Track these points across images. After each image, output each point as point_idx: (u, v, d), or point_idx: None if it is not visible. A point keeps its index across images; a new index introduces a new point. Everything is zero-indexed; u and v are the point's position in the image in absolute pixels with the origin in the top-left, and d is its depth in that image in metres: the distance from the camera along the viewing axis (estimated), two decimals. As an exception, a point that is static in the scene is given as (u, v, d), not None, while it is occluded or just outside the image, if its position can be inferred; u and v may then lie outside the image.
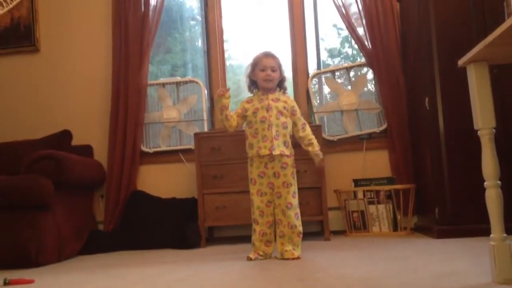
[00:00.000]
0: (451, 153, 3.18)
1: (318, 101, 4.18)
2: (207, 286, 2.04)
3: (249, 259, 2.69)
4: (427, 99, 3.28)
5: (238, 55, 4.66)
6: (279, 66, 2.91)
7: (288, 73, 4.28)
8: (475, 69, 1.83)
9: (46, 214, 3.18)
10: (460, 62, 1.88)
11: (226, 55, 4.39)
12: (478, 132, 1.83)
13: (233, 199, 3.53)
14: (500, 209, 1.78)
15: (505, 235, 1.77)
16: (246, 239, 3.10)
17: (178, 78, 4.24)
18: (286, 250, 2.69)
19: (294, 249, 2.69)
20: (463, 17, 3.20)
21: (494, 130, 1.81)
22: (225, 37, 4.40)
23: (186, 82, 4.21)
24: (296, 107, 2.94)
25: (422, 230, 3.56)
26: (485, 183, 1.81)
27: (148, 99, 4.20)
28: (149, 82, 4.17)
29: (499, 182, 1.79)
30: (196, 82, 4.18)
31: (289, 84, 4.28)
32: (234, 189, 3.52)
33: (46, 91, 4.31)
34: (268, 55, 2.90)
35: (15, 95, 4.34)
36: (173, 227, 3.64)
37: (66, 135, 3.92)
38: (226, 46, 4.41)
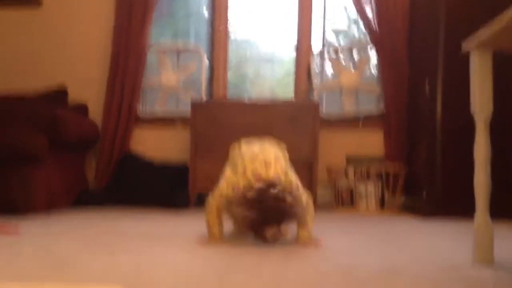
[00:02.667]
0: (446, 140, 3.19)
1: (318, 79, 4.16)
2: (191, 243, 2.06)
3: None
4: (427, 83, 3.27)
5: (243, 30, 4.63)
6: None
7: (291, 48, 4.28)
8: (478, 55, 1.81)
9: (38, 168, 3.19)
10: (464, 47, 1.86)
11: (230, 29, 4.35)
12: (474, 116, 1.83)
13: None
14: (487, 193, 1.79)
15: (489, 218, 1.78)
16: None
17: (179, 44, 4.21)
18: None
19: None
20: (473, 1, 3.17)
21: (490, 115, 1.81)
22: (230, 11, 4.35)
23: (187, 49, 4.18)
24: None
25: (409, 210, 3.58)
26: (475, 166, 1.81)
27: (148, 63, 4.18)
28: (150, 45, 4.13)
29: (489, 167, 1.80)
30: (197, 52, 4.16)
31: (291, 61, 4.30)
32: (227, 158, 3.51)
33: (46, 46, 4.28)
34: None
35: (14, 47, 4.31)
36: (162, 191, 3.66)
37: (62, 92, 3.91)
38: (231, 19, 4.37)
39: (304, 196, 2.11)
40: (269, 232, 1.94)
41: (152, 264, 1.65)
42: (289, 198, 1.93)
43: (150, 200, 3.65)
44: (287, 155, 2.33)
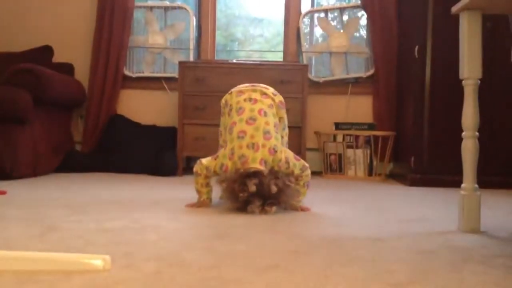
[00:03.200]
0: (434, 104, 3.20)
1: (308, 42, 4.10)
2: (179, 209, 2.06)
3: None
4: (417, 47, 3.24)
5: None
6: None
7: (280, 9, 4.20)
8: (468, 17, 1.79)
9: (23, 129, 3.14)
10: (454, 9, 1.84)
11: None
12: (463, 81, 1.82)
13: (213, 131, 3.50)
14: (475, 160, 1.79)
15: (476, 186, 1.80)
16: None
17: (167, 3, 4.11)
18: None
19: None
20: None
21: (479, 81, 1.80)
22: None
23: (174, 8, 4.09)
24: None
25: (396, 177, 3.62)
26: (463, 133, 1.81)
27: (134, 22, 4.08)
28: (136, 3, 4.04)
29: (477, 133, 1.80)
30: (185, 9, 4.06)
31: (280, 22, 4.22)
32: (215, 121, 3.45)
33: (31, 5, 4.15)
34: None
35: (-4, 4, 4.18)
36: (150, 154, 3.64)
37: (47, 50, 3.83)
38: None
39: (297, 168, 2.12)
40: (250, 207, 1.98)
41: (139, 232, 1.65)
42: (273, 188, 1.95)
43: (138, 164, 3.63)
44: (283, 111, 2.31)
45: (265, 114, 2.17)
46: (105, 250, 1.35)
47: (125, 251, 1.35)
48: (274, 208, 2.00)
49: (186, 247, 1.42)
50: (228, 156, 2.09)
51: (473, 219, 1.77)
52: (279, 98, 2.31)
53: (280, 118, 2.29)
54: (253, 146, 2.06)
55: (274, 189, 1.95)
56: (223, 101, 2.34)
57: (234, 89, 2.32)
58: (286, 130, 2.39)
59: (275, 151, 2.09)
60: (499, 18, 3.04)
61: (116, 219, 1.85)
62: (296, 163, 2.13)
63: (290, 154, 2.14)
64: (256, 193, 1.95)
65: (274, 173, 2.02)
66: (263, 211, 1.98)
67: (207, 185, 2.19)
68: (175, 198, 2.43)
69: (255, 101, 2.20)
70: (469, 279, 1.16)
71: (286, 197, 2.03)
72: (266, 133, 2.11)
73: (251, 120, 2.13)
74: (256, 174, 1.98)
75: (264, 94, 2.26)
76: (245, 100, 2.20)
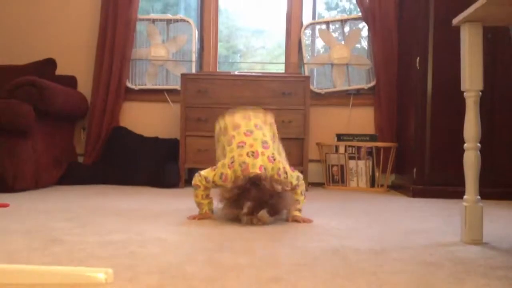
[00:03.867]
0: (435, 115, 3.21)
1: (309, 54, 4.13)
2: (182, 222, 2.06)
3: None
4: (418, 58, 3.25)
5: (233, 1, 4.56)
6: None
7: (281, 21, 4.23)
8: (469, 29, 1.80)
9: (26, 141, 3.16)
10: (455, 21, 1.85)
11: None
12: (464, 93, 1.82)
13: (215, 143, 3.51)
14: (477, 172, 1.79)
15: (478, 197, 1.79)
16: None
17: (169, 16, 4.14)
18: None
19: None
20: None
21: (480, 93, 1.81)
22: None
23: (177, 21, 4.12)
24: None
25: (398, 188, 3.62)
26: (465, 144, 1.81)
27: (137, 35, 4.11)
28: (139, 16, 4.07)
29: (478, 145, 1.80)
30: (187, 22, 4.09)
31: (281, 33, 4.24)
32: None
33: (34, 19, 4.18)
34: None
35: (1, 21, 4.20)
36: (153, 165, 3.64)
37: (50, 63, 3.84)
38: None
39: (294, 178, 2.15)
40: (245, 218, 1.99)
41: (141, 244, 1.65)
42: (277, 187, 1.97)
43: (140, 176, 3.64)
44: (274, 127, 2.38)
45: (261, 127, 2.23)
46: (108, 263, 1.35)
47: (128, 264, 1.35)
48: (270, 218, 2.00)
49: (188, 260, 1.42)
50: (228, 165, 2.09)
51: (475, 231, 1.76)
52: (270, 118, 2.37)
53: (274, 134, 2.35)
54: (253, 154, 2.08)
55: (278, 188, 1.96)
56: (216, 128, 2.39)
57: (225, 114, 2.37)
58: (281, 146, 2.42)
59: (274, 159, 2.11)
60: (499, 29, 3.06)
61: (119, 231, 1.85)
62: (293, 174, 2.15)
63: (287, 166, 2.17)
64: (255, 199, 1.95)
65: (273, 180, 2.03)
66: (257, 220, 1.98)
67: (207, 196, 2.20)
68: (177, 210, 2.43)
69: (249, 118, 2.27)
70: (472, 292, 1.16)
71: (285, 204, 2.03)
72: (264, 143, 2.15)
73: (249, 132, 2.18)
74: (256, 178, 1.98)
75: (256, 112, 2.34)
76: (239, 118, 2.27)
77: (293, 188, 2.14)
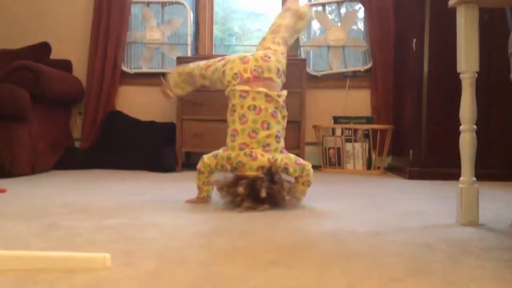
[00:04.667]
0: (431, 97, 3.21)
1: (306, 36, 4.10)
2: (179, 206, 2.07)
3: None
4: (414, 40, 3.24)
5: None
6: None
7: (277, 4, 4.19)
8: (465, 11, 1.79)
9: (21, 126, 3.15)
10: (451, 3, 1.84)
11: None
12: (460, 75, 1.82)
13: (211, 126, 3.51)
14: (473, 153, 1.80)
15: (474, 179, 1.80)
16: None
17: (164, -2, 4.10)
18: None
19: None
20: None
21: (476, 74, 1.80)
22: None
23: (172, 3, 4.08)
24: None
25: (395, 170, 3.63)
26: (461, 126, 1.82)
27: (132, 18, 4.08)
28: (133, -1, 4.03)
29: (474, 126, 1.80)
30: (182, 4, 4.06)
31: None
32: (214, 117, 3.48)
33: (27, 1, 4.14)
34: None
35: (-7, 2, 4.17)
36: (149, 150, 3.64)
37: (44, 47, 3.81)
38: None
39: (298, 171, 2.11)
40: (244, 206, 1.99)
41: (138, 229, 1.66)
42: (262, 193, 1.96)
43: (137, 160, 3.63)
44: (284, 109, 2.20)
45: (268, 126, 2.10)
46: (105, 248, 1.36)
47: (125, 249, 1.36)
48: (265, 206, 2.00)
49: (186, 244, 1.43)
50: (226, 160, 2.10)
51: (471, 212, 1.77)
52: (283, 96, 2.20)
53: (284, 117, 2.21)
54: (251, 155, 2.05)
55: (263, 194, 1.95)
56: (228, 73, 2.17)
57: (236, 66, 2.17)
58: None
59: (275, 160, 2.07)
60: (496, 11, 3.04)
61: (116, 216, 1.85)
62: (297, 168, 2.11)
63: (291, 160, 2.11)
64: (248, 196, 1.98)
65: (271, 175, 2.02)
66: (253, 208, 1.98)
67: (209, 183, 2.19)
68: (175, 195, 2.44)
69: (259, 110, 2.11)
70: (467, 273, 1.17)
71: (281, 199, 2.02)
72: (266, 145, 2.09)
73: (253, 133, 2.09)
74: (249, 178, 2.01)
75: (268, 97, 2.13)
76: (248, 107, 2.11)
77: (296, 178, 2.13)
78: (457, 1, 1.79)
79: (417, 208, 2.13)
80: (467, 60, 1.79)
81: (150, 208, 2.04)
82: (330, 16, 4.09)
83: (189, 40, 4.03)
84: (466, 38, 1.79)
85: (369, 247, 1.41)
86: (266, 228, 1.67)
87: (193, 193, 2.24)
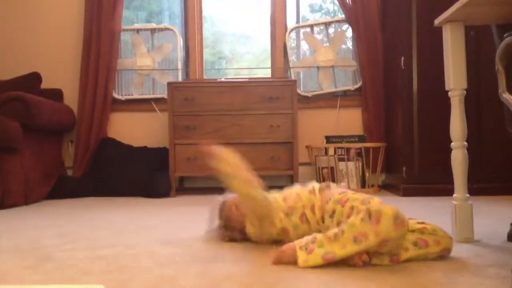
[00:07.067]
0: (422, 114, 3.23)
1: (295, 57, 4.14)
2: (174, 233, 2.05)
3: None
4: (403, 58, 3.28)
5: (217, 6, 4.56)
6: None
7: (266, 26, 4.24)
8: (450, 29, 1.82)
9: (13, 157, 3.13)
10: (436, 22, 1.87)
11: (203, 4, 4.28)
12: (449, 92, 1.84)
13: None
14: (465, 170, 1.81)
15: (467, 195, 1.81)
16: (216, 190, 3.11)
17: (153, 25, 4.13)
18: None
19: None
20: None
21: (464, 91, 1.82)
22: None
23: (161, 29, 4.11)
24: None
25: (389, 188, 3.63)
26: (452, 143, 1.83)
27: (122, 45, 4.10)
28: (123, 27, 4.06)
29: (465, 143, 1.82)
30: (172, 30, 4.09)
31: (266, 38, 4.25)
32: (206, 140, 3.47)
33: (17, 31, 4.16)
34: None
35: (-18, 33, 4.18)
36: (143, 175, 3.62)
37: (35, 77, 3.82)
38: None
39: None
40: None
41: (133, 258, 1.64)
42: None
43: (131, 187, 3.62)
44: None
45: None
46: (100, 279, 1.34)
47: (120, 279, 1.35)
48: None
49: (182, 273, 1.42)
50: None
51: (466, 229, 1.78)
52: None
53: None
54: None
55: None
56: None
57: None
58: None
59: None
60: (482, 27, 3.08)
61: (110, 246, 1.84)
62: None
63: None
64: None
65: None
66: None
67: None
68: (169, 221, 2.42)
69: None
70: (464, 292, 1.16)
71: None
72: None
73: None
74: None
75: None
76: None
77: None
78: (443, 20, 1.82)
79: (413, 226, 2.12)
80: (455, 78, 1.81)
81: (144, 236, 2.03)
82: (318, 37, 4.13)
83: (180, 65, 4.05)
84: (453, 56, 1.82)
85: (365, 266, 1.41)
86: (262, 253, 1.66)
87: (187, 219, 2.22)
